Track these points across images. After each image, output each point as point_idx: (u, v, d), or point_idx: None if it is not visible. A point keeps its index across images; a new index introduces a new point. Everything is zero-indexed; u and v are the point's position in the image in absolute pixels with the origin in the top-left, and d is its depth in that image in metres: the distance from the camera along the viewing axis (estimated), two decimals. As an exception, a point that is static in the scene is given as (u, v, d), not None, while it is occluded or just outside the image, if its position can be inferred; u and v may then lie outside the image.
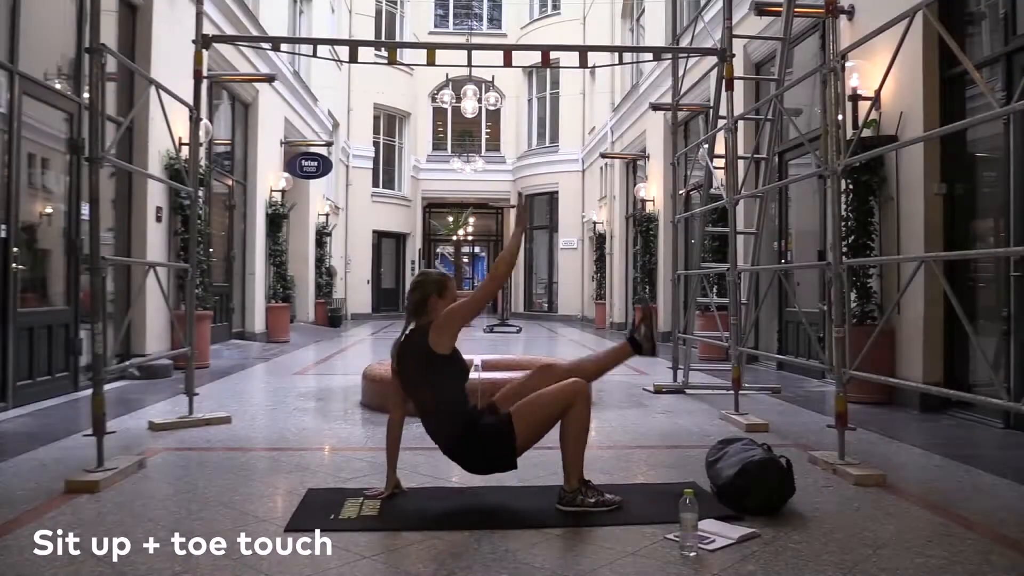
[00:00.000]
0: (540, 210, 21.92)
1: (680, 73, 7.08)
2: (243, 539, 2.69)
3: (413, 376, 3.16)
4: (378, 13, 20.76)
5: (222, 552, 2.57)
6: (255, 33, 10.25)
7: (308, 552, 2.58)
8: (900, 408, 5.58)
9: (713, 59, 6.29)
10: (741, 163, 6.66)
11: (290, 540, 2.69)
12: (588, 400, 3.10)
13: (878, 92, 3.90)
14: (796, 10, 5.89)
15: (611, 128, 16.14)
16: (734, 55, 5.68)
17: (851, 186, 5.91)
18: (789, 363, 7.55)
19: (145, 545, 2.63)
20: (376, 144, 20.92)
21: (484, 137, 23.19)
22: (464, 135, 23.17)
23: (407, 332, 3.21)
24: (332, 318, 15.62)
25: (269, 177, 12.12)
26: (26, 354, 5.50)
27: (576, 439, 3.05)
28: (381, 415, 5.22)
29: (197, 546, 2.62)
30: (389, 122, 21.68)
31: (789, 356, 7.55)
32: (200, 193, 6.49)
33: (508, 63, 5.73)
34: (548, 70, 20.17)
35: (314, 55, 6.24)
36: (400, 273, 22.38)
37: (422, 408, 3.16)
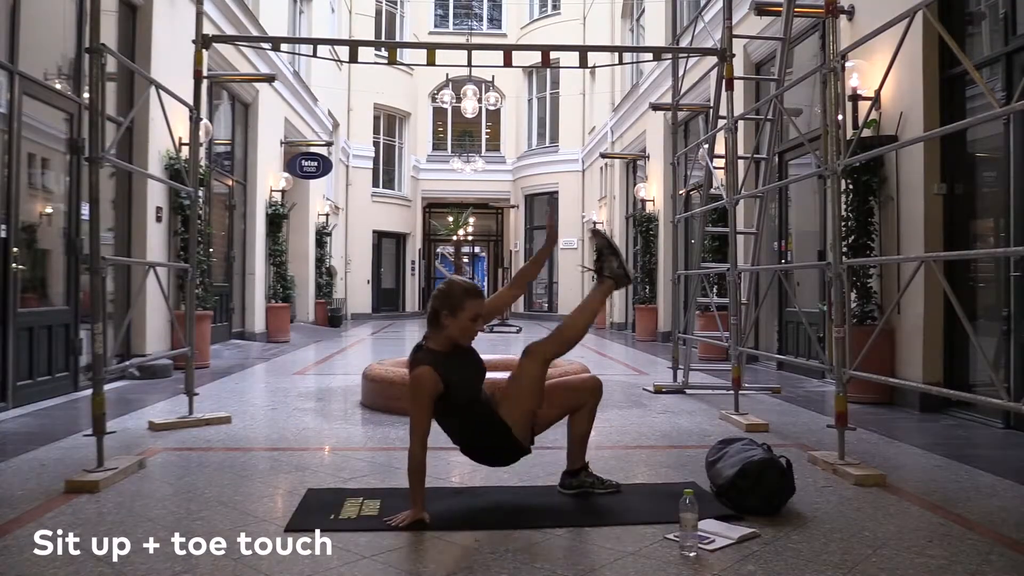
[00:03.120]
0: (540, 210, 21.93)
1: (680, 73, 7.08)
2: (243, 539, 2.69)
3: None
4: (378, 13, 20.76)
5: (222, 552, 2.57)
6: (255, 33, 10.25)
7: (308, 552, 2.58)
8: (900, 408, 5.58)
9: (713, 59, 6.29)
10: (741, 163, 6.66)
11: (290, 540, 2.69)
12: (600, 398, 3.26)
13: (878, 92, 3.89)
14: (796, 10, 5.89)
15: (611, 128, 16.14)
16: (734, 55, 5.68)
17: (851, 186, 5.91)
18: (789, 363, 7.55)
19: (145, 545, 2.63)
20: (376, 144, 20.92)
21: (484, 137, 23.20)
22: (464, 135, 23.18)
23: (419, 345, 3.13)
24: (332, 318, 15.63)
25: (269, 177, 12.12)
26: (26, 354, 5.50)
27: (586, 433, 3.24)
28: (381, 415, 5.24)
29: (197, 546, 2.62)
30: (389, 122, 21.68)
31: (789, 356, 7.55)
32: (200, 193, 6.49)
33: (508, 63, 5.73)
34: (548, 70, 20.17)
35: (314, 55, 6.24)
36: (400, 273, 22.39)
37: (443, 418, 3.13)
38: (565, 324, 3.32)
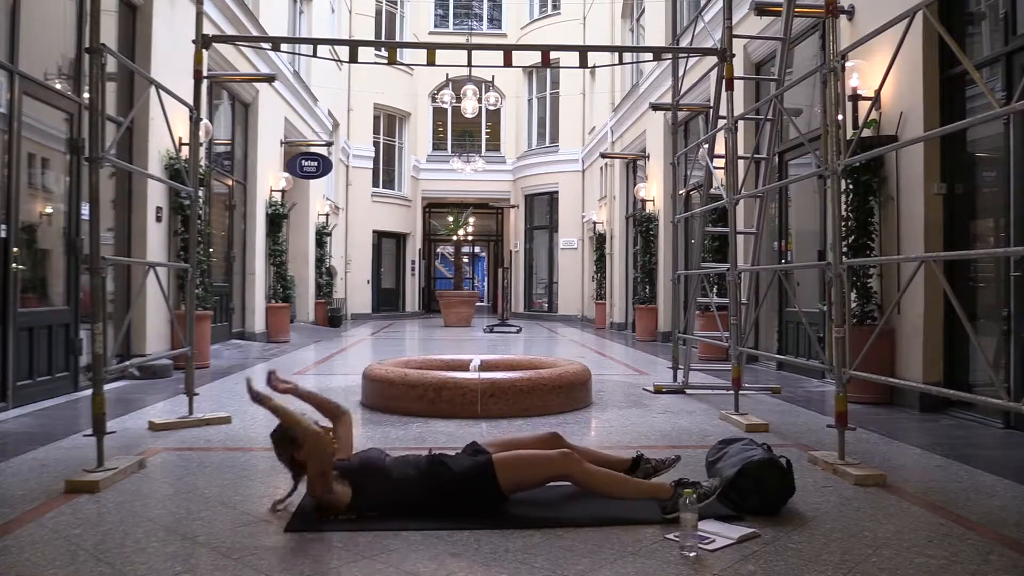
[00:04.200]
0: (540, 210, 21.94)
1: (680, 73, 7.08)
2: (243, 539, 2.70)
3: None
4: (378, 13, 20.76)
5: (222, 552, 2.57)
6: (255, 33, 10.25)
7: (308, 552, 2.58)
8: (900, 408, 5.58)
9: (713, 59, 6.29)
10: (741, 163, 6.66)
11: (290, 540, 2.69)
12: (580, 463, 3.04)
13: (878, 92, 3.89)
14: (796, 10, 5.89)
15: (611, 128, 16.15)
16: (734, 55, 5.68)
17: (851, 186, 5.92)
18: (789, 363, 7.55)
19: (145, 545, 2.63)
20: (376, 144, 20.93)
21: (484, 137, 23.20)
22: (464, 135, 23.18)
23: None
24: (332, 318, 15.62)
25: (269, 177, 12.12)
26: (26, 354, 5.50)
27: (608, 486, 3.04)
28: (381, 415, 5.25)
29: (197, 546, 2.62)
30: (389, 122, 21.68)
31: (789, 356, 7.54)
32: (200, 193, 6.49)
33: (508, 63, 5.73)
34: (548, 70, 20.18)
35: (314, 55, 6.24)
36: (400, 273, 22.39)
37: None
38: (613, 478, 3.12)
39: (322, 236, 15.56)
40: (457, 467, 3.01)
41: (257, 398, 3.03)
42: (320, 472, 2.85)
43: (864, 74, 5.98)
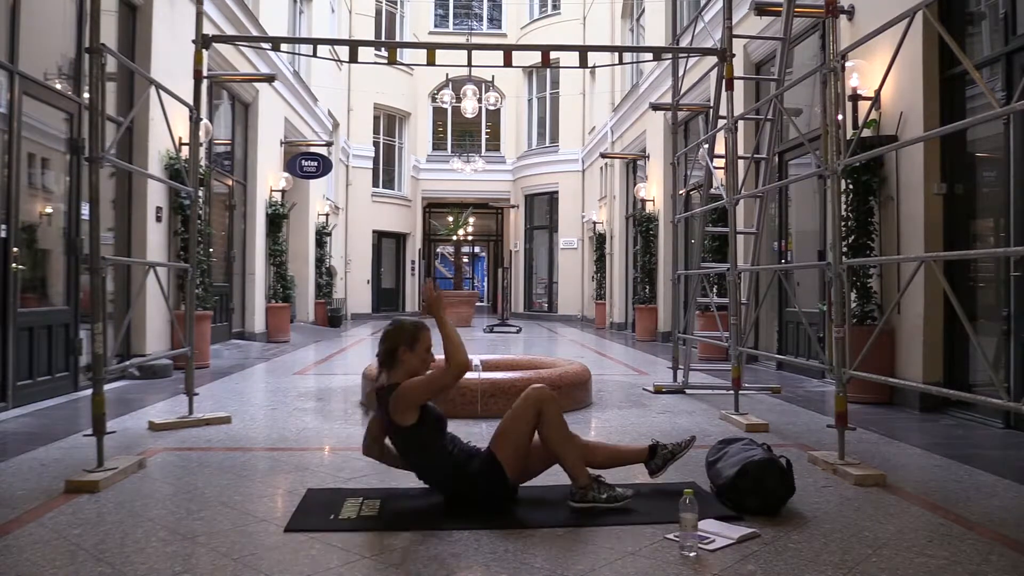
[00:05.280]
0: (540, 210, 21.94)
1: (680, 73, 7.08)
2: (243, 539, 2.70)
3: (391, 439, 3.17)
4: (378, 13, 20.77)
5: (222, 552, 2.57)
6: (255, 33, 10.25)
7: (308, 552, 2.58)
8: (900, 408, 5.58)
9: (713, 59, 6.29)
10: (741, 163, 6.66)
11: (290, 540, 2.69)
12: (554, 402, 3.08)
13: (878, 92, 3.89)
14: (796, 10, 5.89)
15: (611, 128, 16.15)
16: (734, 55, 5.68)
17: (851, 186, 5.92)
18: (789, 363, 7.55)
19: (145, 545, 2.63)
20: (376, 144, 20.93)
21: (484, 137, 23.20)
22: (464, 135, 23.18)
23: (377, 387, 3.17)
24: (332, 318, 15.63)
25: (269, 177, 12.12)
26: (26, 354, 5.50)
27: (560, 441, 3.07)
28: (381, 415, 5.24)
29: (197, 546, 2.63)
30: (389, 122, 21.69)
31: (789, 356, 7.54)
32: (200, 193, 6.49)
33: (508, 63, 5.73)
34: (548, 70, 20.18)
35: (314, 55, 6.24)
36: (400, 273, 22.39)
37: (407, 466, 3.19)
38: (608, 447, 3.47)
39: (322, 236, 15.56)
40: (473, 469, 3.07)
41: (435, 302, 3.17)
42: (428, 388, 3.00)
43: (864, 74, 5.98)
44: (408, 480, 3.36)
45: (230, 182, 10.85)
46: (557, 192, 20.80)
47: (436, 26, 22.86)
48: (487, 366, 6.04)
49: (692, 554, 2.54)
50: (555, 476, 3.30)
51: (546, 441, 3.08)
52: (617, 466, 3.38)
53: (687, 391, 6.41)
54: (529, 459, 3.13)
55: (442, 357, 3.10)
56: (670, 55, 7.42)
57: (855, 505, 3.15)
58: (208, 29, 6.62)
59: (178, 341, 5.36)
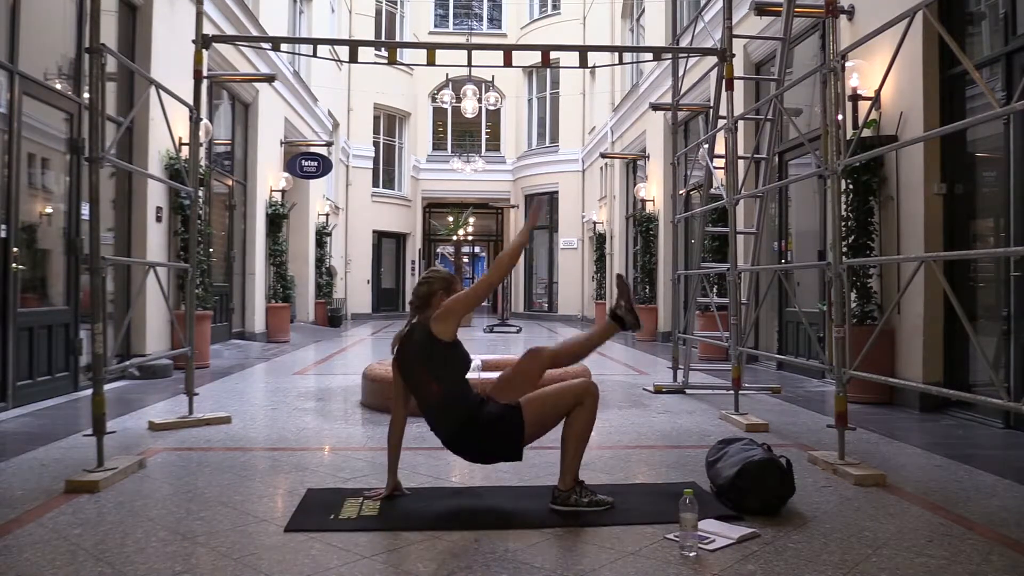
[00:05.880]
0: (540, 209, 21.89)
1: (680, 73, 7.08)
2: (243, 539, 2.70)
3: (415, 367, 3.14)
4: (378, 13, 20.77)
5: (222, 552, 2.57)
6: (255, 33, 10.25)
7: (308, 552, 2.58)
8: (900, 408, 5.58)
9: (713, 59, 6.29)
10: (741, 163, 6.66)
11: (290, 540, 2.69)
12: (596, 400, 3.12)
13: (878, 92, 3.89)
14: (796, 10, 5.89)
15: (611, 128, 16.15)
16: (734, 55, 5.68)
17: (851, 186, 5.92)
18: (789, 363, 7.55)
19: (145, 545, 2.63)
20: (376, 144, 20.93)
21: (484, 137, 23.20)
22: (464, 135, 23.18)
23: (410, 326, 3.24)
24: (332, 318, 15.63)
25: (269, 177, 12.12)
26: (26, 354, 5.50)
27: (579, 438, 3.07)
28: (381, 415, 5.24)
29: (197, 546, 2.62)
30: (389, 122, 21.69)
31: (789, 356, 7.54)
32: (200, 193, 6.49)
33: (508, 63, 5.73)
34: (548, 70, 20.18)
35: (314, 55, 6.24)
36: (400, 273, 22.39)
37: (425, 401, 3.14)
38: (569, 340, 3.52)
39: (322, 236, 15.56)
40: (492, 411, 3.10)
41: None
42: (474, 296, 3.13)
43: (864, 74, 5.98)
44: (408, 480, 3.37)
45: (230, 182, 10.85)
46: (557, 192, 20.80)
47: (436, 26, 22.86)
48: (487, 366, 6.04)
49: (692, 554, 2.54)
50: (554, 477, 3.29)
51: (569, 430, 3.08)
52: (588, 351, 3.52)
53: (687, 391, 6.41)
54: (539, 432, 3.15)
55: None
56: (670, 55, 7.43)
57: (855, 505, 3.15)
58: (208, 29, 6.62)
59: (178, 341, 5.36)
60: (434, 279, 3.25)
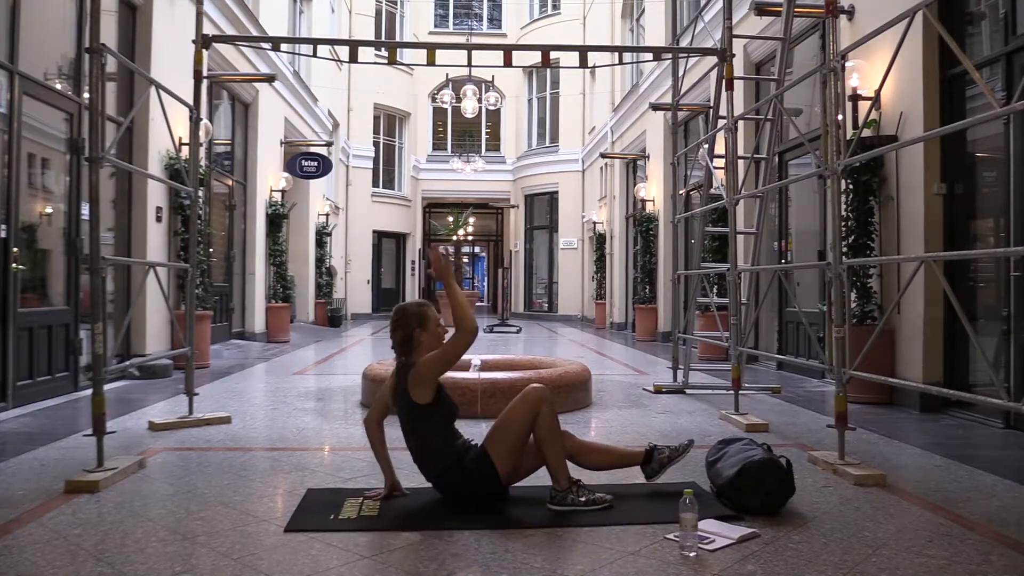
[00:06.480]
0: (540, 210, 21.94)
1: (680, 73, 7.07)
2: (243, 539, 2.70)
3: (401, 416, 3.17)
4: (378, 13, 20.77)
5: (222, 552, 2.57)
6: (255, 33, 10.25)
7: (308, 552, 2.58)
8: (900, 408, 5.58)
9: (713, 59, 6.29)
10: (741, 163, 6.66)
11: (290, 540, 2.69)
12: (551, 404, 3.11)
13: (878, 92, 3.89)
14: (796, 10, 5.89)
15: (611, 128, 16.15)
16: (734, 55, 5.68)
17: (851, 186, 5.92)
18: (789, 363, 7.55)
19: (145, 545, 2.63)
20: (376, 144, 20.93)
21: (484, 137, 23.20)
22: (464, 135, 23.18)
23: (400, 363, 3.19)
24: (332, 318, 15.63)
25: (269, 177, 12.12)
26: (26, 354, 5.50)
27: (551, 441, 3.07)
28: (381, 415, 5.24)
29: (197, 546, 2.62)
30: (389, 122, 21.69)
31: (789, 356, 7.54)
32: (200, 193, 6.49)
33: (508, 63, 5.73)
34: (548, 70, 20.17)
35: (314, 55, 6.24)
36: (400, 273, 22.40)
37: (406, 442, 3.18)
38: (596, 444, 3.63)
39: (322, 236, 15.56)
40: (466, 465, 3.09)
41: (443, 267, 3.17)
42: (444, 360, 3.04)
43: (864, 74, 5.98)
44: (408, 480, 3.36)
45: (230, 182, 10.85)
46: (557, 192, 20.80)
47: (436, 26, 22.86)
48: (487, 366, 6.04)
49: (692, 554, 2.54)
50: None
51: (537, 440, 3.09)
52: (612, 468, 3.40)
53: (687, 391, 6.41)
54: (524, 458, 3.14)
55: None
56: (670, 55, 7.42)
57: (855, 505, 3.15)
58: (208, 29, 6.62)
59: (178, 341, 5.36)
60: (405, 320, 3.15)
